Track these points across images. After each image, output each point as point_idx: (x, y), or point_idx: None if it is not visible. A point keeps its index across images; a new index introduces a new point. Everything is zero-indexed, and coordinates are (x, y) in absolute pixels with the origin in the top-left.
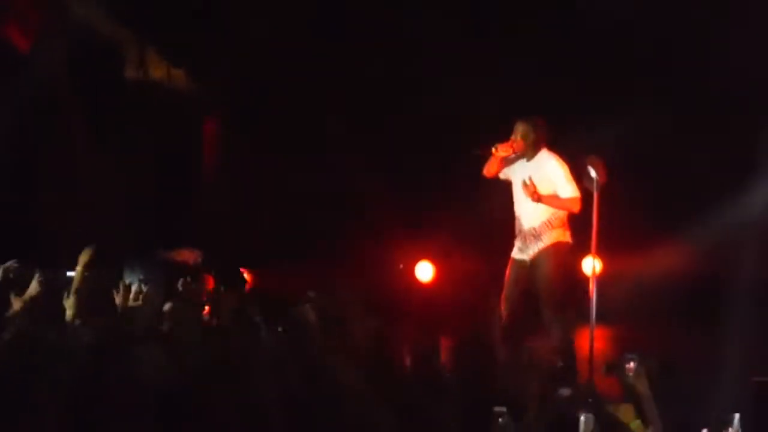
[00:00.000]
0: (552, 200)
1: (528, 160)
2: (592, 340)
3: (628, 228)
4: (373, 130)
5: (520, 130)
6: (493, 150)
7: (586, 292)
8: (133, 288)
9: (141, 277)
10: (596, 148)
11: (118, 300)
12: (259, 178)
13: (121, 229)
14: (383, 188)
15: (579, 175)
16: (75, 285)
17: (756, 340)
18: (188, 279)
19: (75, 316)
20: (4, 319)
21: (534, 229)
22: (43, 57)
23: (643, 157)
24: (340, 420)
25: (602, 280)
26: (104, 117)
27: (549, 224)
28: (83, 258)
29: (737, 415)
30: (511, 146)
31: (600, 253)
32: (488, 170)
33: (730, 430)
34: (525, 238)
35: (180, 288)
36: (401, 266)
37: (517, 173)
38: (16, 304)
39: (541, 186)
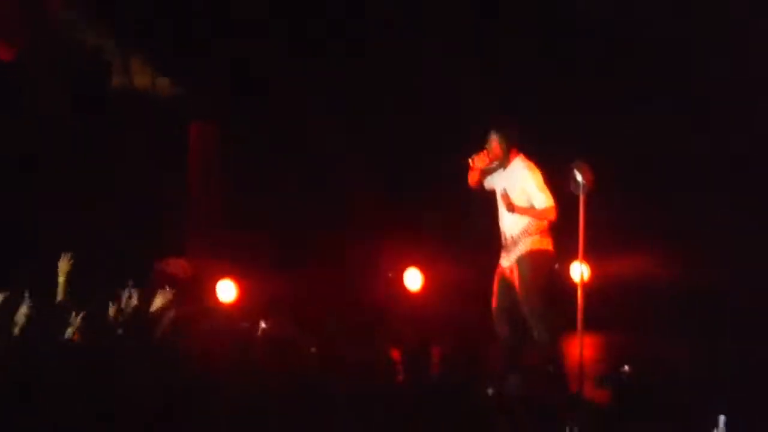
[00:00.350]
0: (526, 210)
1: (504, 169)
2: (582, 348)
3: (616, 233)
4: (361, 136)
5: (492, 139)
6: (470, 161)
7: (574, 298)
8: (125, 299)
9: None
10: (583, 152)
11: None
12: (247, 187)
13: (109, 238)
14: (372, 195)
15: (566, 180)
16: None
17: (741, 343)
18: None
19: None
20: None
21: (513, 237)
22: (28, 65)
23: (633, 161)
24: None
25: (590, 286)
26: (91, 126)
27: (526, 232)
28: (63, 267)
29: (723, 417)
30: (487, 156)
31: (588, 259)
32: (471, 180)
33: (716, 430)
34: (507, 246)
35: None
36: (390, 274)
37: (496, 182)
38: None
39: (515, 195)
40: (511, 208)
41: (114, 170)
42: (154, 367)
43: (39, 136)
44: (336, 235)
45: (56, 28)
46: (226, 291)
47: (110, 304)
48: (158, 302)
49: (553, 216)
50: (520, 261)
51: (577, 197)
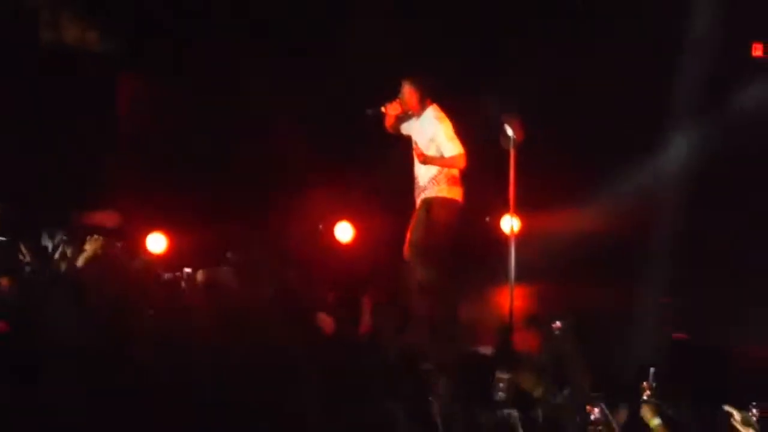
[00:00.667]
0: (436, 160)
1: (417, 118)
2: (512, 299)
3: (546, 186)
4: (291, 88)
5: (404, 89)
6: (383, 109)
7: (505, 250)
8: (50, 251)
9: (59, 239)
10: (513, 107)
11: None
12: (175, 138)
13: (36, 192)
14: (302, 148)
15: (496, 134)
16: None
17: (673, 294)
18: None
19: None
20: None
21: (423, 184)
22: None
23: (561, 115)
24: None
25: (521, 238)
26: (19, 79)
27: (435, 181)
28: None
29: (652, 369)
30: (399, 105)
31: (518, 212)
32: (387, 126)
33: (644, 383)
34: (418, 193)
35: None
36: (320, 227)
37: (410, 131)
38: None
39: (426, 144)
40: (422, 158)
41: (43, 121)
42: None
43: None
44: (266, 188)
45: None
46: (156, 243)
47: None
48: (89, 249)
49: (462, 164)
50: (422, 204)
51: (508, 151)
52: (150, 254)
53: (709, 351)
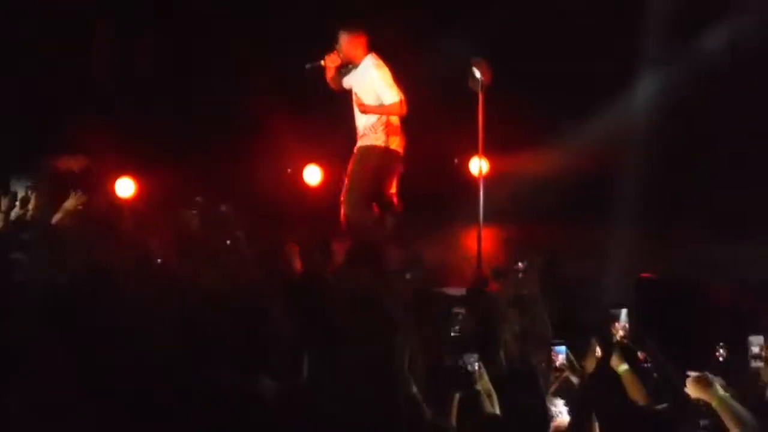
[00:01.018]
0: (374, 108)
1: (355, 68)
2: (480, 240)
3: (514, 128)
4: (256, 31)
5: (341, 39)
6: (322, 62)
7: (474, 192)
8: (20, 196)
9: (28, 184)
10: (479, 48)
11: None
12: (146, 83)
13: (4, 136)
14: (269, 92)
15: (464, 76)
16: None
17: (641, 234)
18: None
19: None
20: None
21: (363, 133)
22: None
23: (528, 54)
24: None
25: (489, 180)
26: None
27: (373, 128)
28: None
29: (624, 310)
30: (338, 56)
31: (487, 154)
32: (330, 82)
33: (617, 324)
34: (358, 140)
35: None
36: (289, 170)
37: (350, 82)
38: None
39: (366, 92)
40: (362, 108)
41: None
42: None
43: None
44: (235, 132)
45: None
46: (125, 188)
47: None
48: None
49: (401, 111)
50: (358, 151)
51: (476, 93)
52: (118, 198)
53: (677, 290)
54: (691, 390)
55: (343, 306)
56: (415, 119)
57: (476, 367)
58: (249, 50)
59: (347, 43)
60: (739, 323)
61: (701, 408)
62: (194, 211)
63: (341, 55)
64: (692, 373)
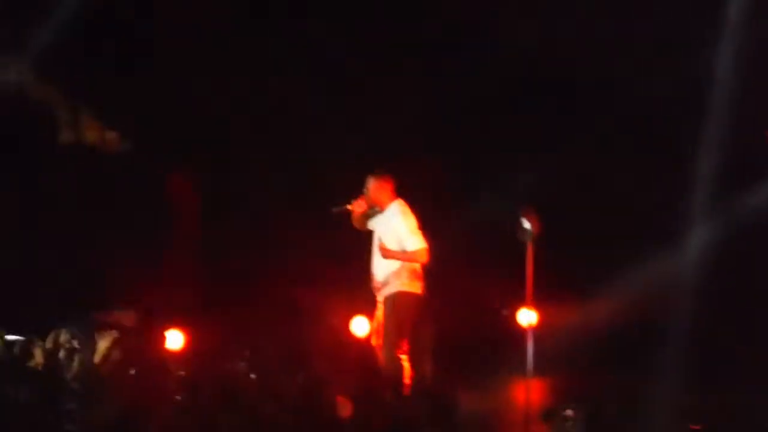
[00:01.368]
0: (399, 255)
1: (381, 213)
2: (529, 392)
3: (563, 278)
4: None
5: (368, 184)
6: (349, 207)
7: (522, 342)
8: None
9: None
10: (523, 196)
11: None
12: (191, 234)
13: (56, 290)
14: (314, 242)
15: (512, 226)
16: None
17: (689, 386)
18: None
19: None
20: None
21: (386, 280)
22: None
23: (577, 207)
24: None
25: (539, 331)
26: (41, 179)
27: (397, 275)
28: None
29: None
30: (365, 201)
31: (535, 304)
32: (355, 223)
33: None
34: (378, 288)
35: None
36: (335, 321)
37: (375, 226)
38: None
39: (390, 238)
40: (385, 252)
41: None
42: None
43: None
44: (281, 286)
45: None
46: (174, 340)
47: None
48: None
49: (424, 258)
50: (387, 300)
51: (525, 244)
52: (167, 351)
53: None
54: None
55: None
56: (464, 269)
57: None
58: (294, 200)
59: (375, 187)
60: None
61: None
62: (242, 363)
63: (368, 199)
64: None
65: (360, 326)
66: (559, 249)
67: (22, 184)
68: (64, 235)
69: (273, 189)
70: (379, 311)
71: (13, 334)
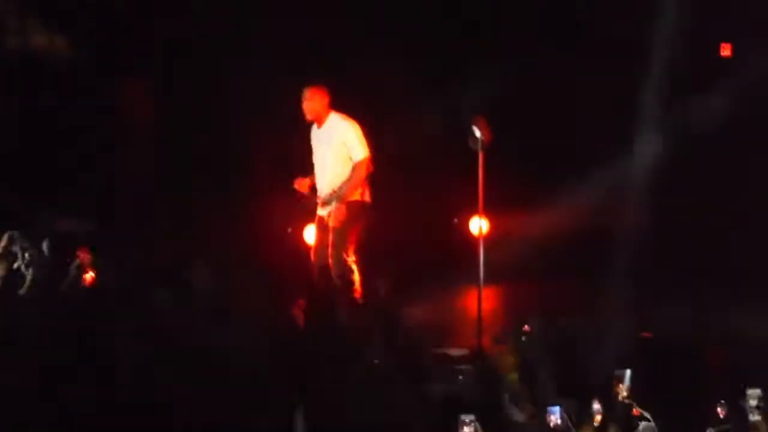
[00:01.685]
0: (344, 189)
1: (319, 127)
2: (480, 301)
3: (514, 186)
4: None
5: (305, 95)
6: (296, 187)
7: (474, 251)
8: (19, 255)
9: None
10: (477, 107)
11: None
12: (152, 140)
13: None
14: (271, 151)
15: (463, 135)
16: None
17: (640, 294)
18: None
19: None
20: None
21: (333, 190)
22: None
23: (528, 114)
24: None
25: (489, 239)
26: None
27: (340, 188)
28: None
29: (628, 371)
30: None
31: (487, 212)
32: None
33: (620, 385)
34: (325, 198)
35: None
36: (289, 230)
37: (313, 143)
38: None
39: (336, 148)
40: (339, 199)
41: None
42: None
43: None
44: (236, 192)
45: None
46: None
47: None
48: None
49: (369, 169)
50: (334, 211)
51: (476, 152)
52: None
53: (676, 350)
54: None
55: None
56: (415, 177)
57: (473, 429)
58: (250, 110)
59: (311, 98)
60: (736, 380)
61: None
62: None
63: (310, 111)
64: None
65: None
66: (510, 157)
67: None
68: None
69: (230, 96)
70: (319, 230)
71: None
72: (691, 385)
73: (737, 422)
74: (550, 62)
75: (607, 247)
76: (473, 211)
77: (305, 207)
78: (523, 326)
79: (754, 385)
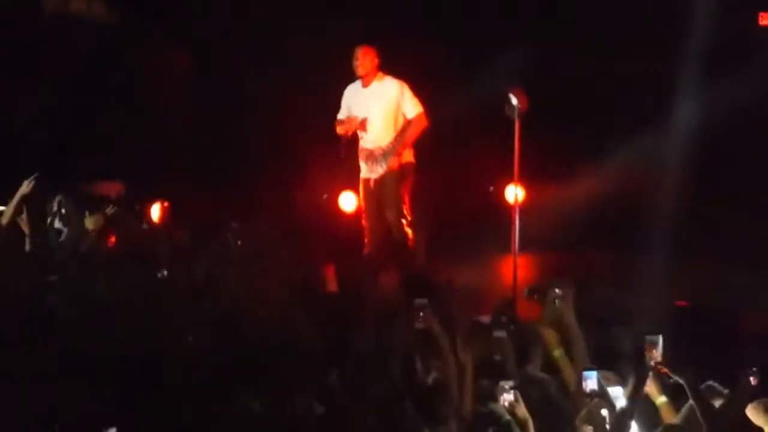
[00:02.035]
0: (398, 142)
1: (365, 86)
2: (515, 268)
3: (550, 156)
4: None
5: (361, 53)
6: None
7: (509, 219)
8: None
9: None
10: (515, 75)
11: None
12: (181, 108)
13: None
14: (305, 120)
15: (500, 104)
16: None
17: (676, 262)
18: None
19: None
20: None
21: (380, 149)
22: None
23: (566, 83)
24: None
25: (525, 207)
26: (26, 50)
27: (395, 146)
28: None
29: (660, 337)
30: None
31: (522, 181)
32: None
33: (654, 351)
34: (371, 159)
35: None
36: (325, 196)
37: (356, 101)
38: None
39: (389, 108)
40: (398, 146)
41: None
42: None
43: None
44: (270, 159)
45: None
46: (161, 213)
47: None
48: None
49: (426, 122)
50: (389, 172)
51: (513, 120)
52: (154, 223)
53: (710, 317)
54: (752, 416)
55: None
56: (451, 146)
57: (512, 396)
58: (285, 80)
59: (362, 56)
60: None
61: None
62: (229, 235)
63: (362, 68)
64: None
65: (348, 202)
66: (547, 126)
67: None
68: (47, 106)
69: (265, 66)
70: (366, 192)
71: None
72: (725, 354)
73: None
74: (589, 32)
75: (643, 217)
76: (509, 179)
77: (343, 154)
78: (557, 290)
79: None
